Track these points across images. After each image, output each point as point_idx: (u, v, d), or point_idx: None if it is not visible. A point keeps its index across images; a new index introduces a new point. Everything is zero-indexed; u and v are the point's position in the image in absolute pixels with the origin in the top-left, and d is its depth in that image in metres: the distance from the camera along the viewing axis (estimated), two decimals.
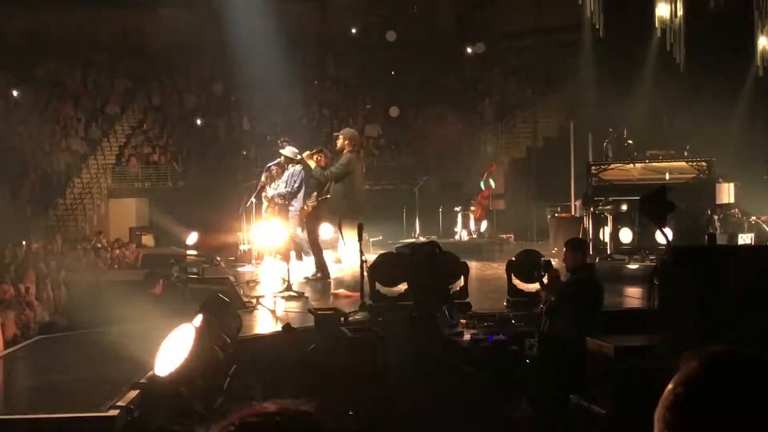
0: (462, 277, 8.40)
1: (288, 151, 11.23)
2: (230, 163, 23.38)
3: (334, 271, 11.13)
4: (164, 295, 10.17)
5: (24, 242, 15.68)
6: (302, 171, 10.91)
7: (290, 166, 11.17)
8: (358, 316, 7.71)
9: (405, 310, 7.69)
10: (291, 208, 11.02)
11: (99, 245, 16.91)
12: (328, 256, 11.45)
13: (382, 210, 16.06)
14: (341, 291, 9.66)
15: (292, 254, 10.53)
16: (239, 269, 12.67)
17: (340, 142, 10.22)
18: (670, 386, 1.15)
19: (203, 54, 26.45)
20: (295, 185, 10.96)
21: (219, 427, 1.08)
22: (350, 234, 9.22)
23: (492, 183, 18.19)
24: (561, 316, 6.72)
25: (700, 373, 1.11)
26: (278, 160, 11.60)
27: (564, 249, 7.35)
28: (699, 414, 1.07)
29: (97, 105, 26.36)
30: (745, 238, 12.10)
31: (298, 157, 11.02)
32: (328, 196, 10.34)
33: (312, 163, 10.16)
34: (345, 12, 27.65)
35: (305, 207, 11.01)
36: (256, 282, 10.89)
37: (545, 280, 7.46)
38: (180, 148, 25.09)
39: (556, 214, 15.83)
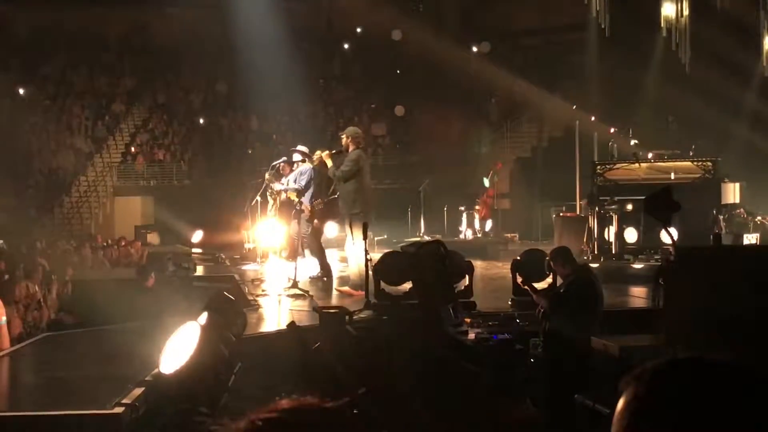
0: (467, 276, 8.40)
1: (301, 148, 11.28)
2: (235, 161, 23.42)
3: (340, 270, 11.15)
4: (156, 287, 10.20)
5: (30, 240, 15.72)
6: (311, 169, 10.89)
7: (299, 163, 11.16)
8: (362, 315, 7.71)
9: (409, 309, 7.69)
10: (298, 207, 11.00)
11: (105, 243, 16.94)
12: (335, 254, 11.45)
13: (386, 209, 16.07)
14: (345, 288, 9.67)
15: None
16: (244, 267, 12.69)
17: (344, 141, 10.22)
18: (618, 410, 1.14)
19: (209, 53, 26.48)
20: (303, 183, 10.93)
21: (245, 422, 1.07)
22: (359, 232, 9.22)
23: (486, 182, 18.13)
24: (559, 319, 6.71)
25: (644, 392, 1.10)
26: (284, 158, 11.62)
27: (552, 264, 7.31)
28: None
29: (103, 103, 26.43)
30: (750, 238, 12.08)
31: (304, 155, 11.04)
32: (336, 195, 10.32)
33: (329, 162, 10.07)
34: (350, 11, 27.65)
35: (313, 205, 10.98)
36: (260, 280, 10.90)
37: (537, 286, 7.47)
38: (185, 147, 25.14)
39: (561, 214, 15.82)
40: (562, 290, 7.06)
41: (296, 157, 11.38)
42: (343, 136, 10.18)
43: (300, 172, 10.99)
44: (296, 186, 10.96)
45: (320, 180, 11.04)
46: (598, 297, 6.93)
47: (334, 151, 10.16)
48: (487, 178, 18.22)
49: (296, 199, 10.53)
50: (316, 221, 10.93)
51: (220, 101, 26.70)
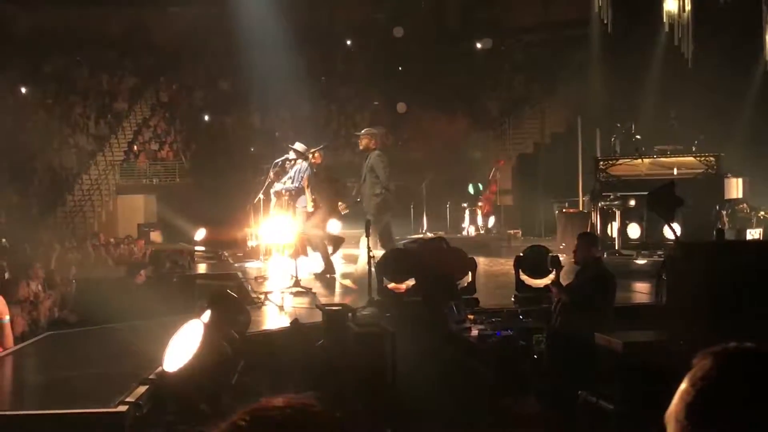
0: (469, 272, 8.40)
1: (298, 146, 11.17)
2: (238, 159, 23.41)
3: (342, 267, 11.15)
4: (148, 285, 10.24)
5: (33, 239, 15.73)
6: (309, 167, 10.85)
7: (298, 161, 11.09)
8: (365, 312, 7.71)
9: (412, 306, 7.69)
10: (299, 204, 10.99)
11: (108, 242, 16.96)
12: (339, 251, 11.45)
13: None
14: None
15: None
16: (247, 265, 12.69)
17: (365, 143, 10.22)
18: (686, 384, 1.14)
19: (210, 50, 26.48)
20: (301, 181, 10.90)
21: (228, 422, 1.08)
22: (376, 230, 9.26)
23: (471, 188, 18.07)
24: (574, 313, 6.70)
25: (719, 369, 1.11)
26: (286, 156, 11.57)
27: (576, 241, 7.32)
28: (721, 410, 1.07)
29: (105, 102, 26.43)
30: (753, 234, 12.06)
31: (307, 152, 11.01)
32: (359, 199, 10.41)
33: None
34: (352, 8, 27.64)
35: (316, 202, 10.94)
36: (264, 278, 10.90)
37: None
38: (188, 145, 25.14)
39: (564, 210, 15.81)
40: (586, 280, 7.04)
41: (292, 155, 11.29)
42: (364, 139, 10.21)
43: (298, 170, 10.92)
44: (295, 185, 10.93)
45: (322, 177, 11.03)
46: (614, 290, 6.99)
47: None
48: (472, 184, 18.18)
49: (310, 202, 10.51)
50: (321, 218, 10.91)
51: (223, 99, 26.69)
